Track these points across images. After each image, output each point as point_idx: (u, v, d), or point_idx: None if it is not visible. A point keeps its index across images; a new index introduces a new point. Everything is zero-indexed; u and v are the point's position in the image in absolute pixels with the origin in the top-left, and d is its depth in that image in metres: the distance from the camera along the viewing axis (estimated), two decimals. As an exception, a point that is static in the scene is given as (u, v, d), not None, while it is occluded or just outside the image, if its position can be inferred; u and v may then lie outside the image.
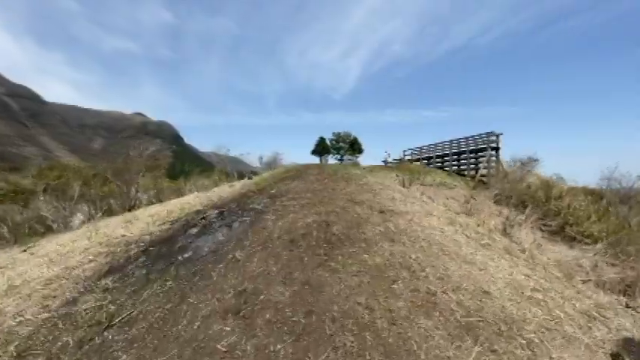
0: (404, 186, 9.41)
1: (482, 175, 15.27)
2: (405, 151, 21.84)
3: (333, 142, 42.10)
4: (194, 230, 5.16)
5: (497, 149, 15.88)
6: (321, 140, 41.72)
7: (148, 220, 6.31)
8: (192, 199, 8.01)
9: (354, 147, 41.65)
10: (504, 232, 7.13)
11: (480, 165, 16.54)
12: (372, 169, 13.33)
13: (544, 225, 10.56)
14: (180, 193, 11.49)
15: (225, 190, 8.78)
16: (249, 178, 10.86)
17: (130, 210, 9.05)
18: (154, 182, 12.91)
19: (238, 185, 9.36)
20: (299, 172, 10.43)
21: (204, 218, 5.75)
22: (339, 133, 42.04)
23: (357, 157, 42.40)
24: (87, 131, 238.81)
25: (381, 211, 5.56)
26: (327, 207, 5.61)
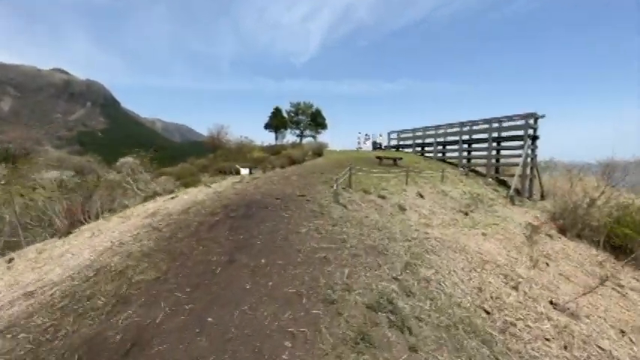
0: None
1: (520, 176, 10.13)
2: (389, 133, 16.08)
3: (291, 113, 34.77)
4: None
5: (534, 138, 10.76)
6: (277, 112, 34.15)
7: None
8: None
9: (317, 121, 34.89)
10: None
11: (511, 159, 11.42)
12: (381, 177, 7.28)
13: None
14: None
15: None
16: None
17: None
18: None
19: None
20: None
21: None
22: (298, 104, 34.58)
23: (319, 132, 35.91)
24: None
25: None
26: None
